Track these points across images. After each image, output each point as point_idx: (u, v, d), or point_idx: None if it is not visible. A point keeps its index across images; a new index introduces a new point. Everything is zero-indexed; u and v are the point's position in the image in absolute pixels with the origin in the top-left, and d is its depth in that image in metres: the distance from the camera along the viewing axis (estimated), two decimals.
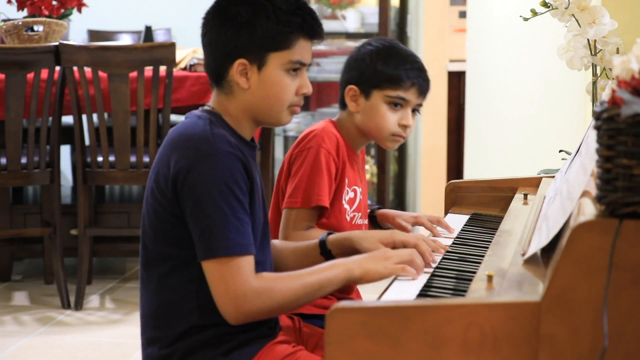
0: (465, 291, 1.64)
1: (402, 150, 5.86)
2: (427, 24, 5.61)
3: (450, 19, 5.70)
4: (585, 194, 1.58)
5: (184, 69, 4.47)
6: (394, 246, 1.95)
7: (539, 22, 2.64)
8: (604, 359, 1.38)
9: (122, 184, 4.10)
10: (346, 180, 2.24)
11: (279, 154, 5.57)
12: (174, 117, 5.36)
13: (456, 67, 5.60)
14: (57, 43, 3.94)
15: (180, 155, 1.76)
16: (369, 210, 2.40)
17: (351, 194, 2.27)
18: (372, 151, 5.77)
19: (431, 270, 1.84)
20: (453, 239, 2.12)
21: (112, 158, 4.02)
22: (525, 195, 2.36)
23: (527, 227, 1.98)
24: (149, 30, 5.41)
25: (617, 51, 2.40)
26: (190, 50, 4.64)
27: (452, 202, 2.52)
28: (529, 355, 1.41)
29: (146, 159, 4.03)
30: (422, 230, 2.25)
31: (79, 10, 4.40)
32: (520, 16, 2.48)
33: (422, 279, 1.78)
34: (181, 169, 1.74)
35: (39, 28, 4.22)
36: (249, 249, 1.73)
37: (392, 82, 2.23)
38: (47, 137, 4.00)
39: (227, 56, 1.82)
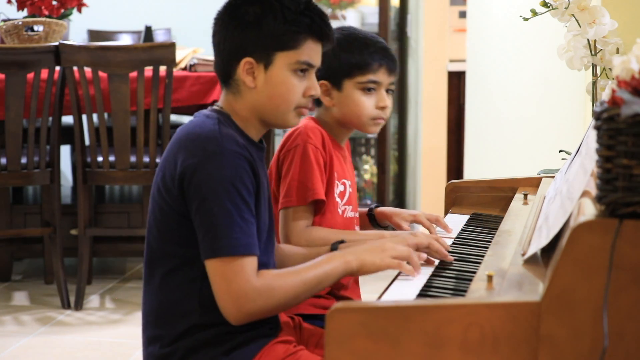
0: (465, 291, 1.64)
1: (402, 150, 5.86)
2: (427, 24, 5.61)
3: (450, 19, 5.70)
4: (585, 194, 1.58)
5: (184, 69, 4.47)
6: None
7: (539, 22, 2.64)
8: (604, 359, 1.38)
9: (122, 184, 4.10)
10: (335, 174, 2.24)
11: None
12: (174, 117, 5.37)
13: (456, 67, 5.60)
14: (57, 43, 3.94)
15: (187, 153, 1.76)
16: (367, 209, 2.40)
17: (341, 187, 2.27)
18: (372, 151, 5.77)
19: (431, 270, 1.85)
20: (453, 239, 2.12)
21: (112, 158, 4.02)
22: (525, 195, 2.36)
23: (527, 227, 1.98)
24: (149, 30, 5.42)
25: (617, 51, 2.40)
26: (190, 50, 4.64)
27: (452, 202, 2.52)
28: (529, 355, 1.41)
29: (146, 159, 4.03)
30: (420, 229, 2.25)
31: (79, 10, 4.40)
32: (520, 16, 2.49)
33: (422, 279, 1.78)
34: (188, 167, 1.75)
35: (39, 28, 4.22)
36: (253, 249, 1.74)
37: (360, 68, 2.23)
38: (47, 137, 4.00)
39: (234, 55, 1.83)
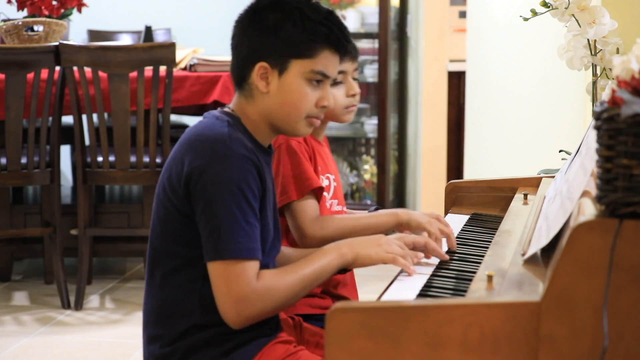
0: (465, 291, 1.64)
1: (402, 150, 5.86)
2: (427, 24, 5.61)
3: (450, 19, 5.70)
4: (585, 194, 1.58)
5: (184, 69, 4.47)
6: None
7: (539, 22, 2.64)
8: (604, 359, 1.39)
9: (122, 184, 4.10)
10: (319, 168, 2.24)
11: None
12: (174, 117, 5.37)
13: (456, 67, 5.60)
14: (57, 43, 3.94)
15: (195, 154, 1.76)
16: (368, 212, 2.40)
17: (326, 182, 2.28)
18: (372, 151, 5.78)
19: (431, 270, 1.85)
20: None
21: (112, 158, 4.02)
22: (525, 195, 2.36)
23: (527, 227, 1.98)
24: (149, 30, 5.41)
25: (617, 51, 2.40)
26: (190, 50, 4.65)
27: (452, 202, 2.52)
28: (529, 355, 1.42)
29: (146, 159, 4.03)
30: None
31: (79, 10, 4.40)
32: (520, 16, 2.49)
33: (422, 279, 1.78)
34: (195, 168, 1.75)
35: (39, 28, 4.22)
36: (256, 254, 1.74)
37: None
38: (47, 137, 4.00)
39: (249, 58, 1.82)
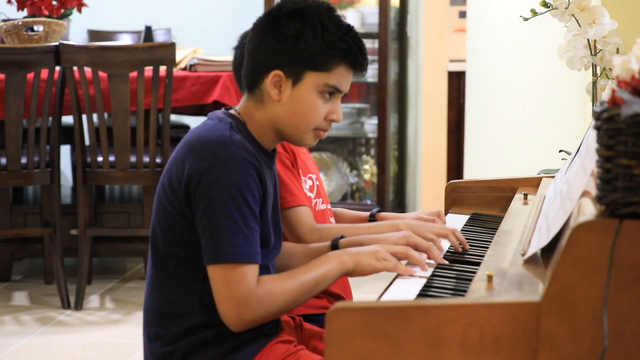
0: (465, 291, 1.64)
1: (402, 150, 5.86)
2: (427, 24, 5.61)
3: (450, 19, 5.70)
4: (585, 194, 1.58)
5: (184, 69, 4.47)
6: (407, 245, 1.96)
7: (539, 22, 2.64)
8: (604, 359, 1.39)
9: (122, 184, 4.11)
10: (301, 170, 2.24)
11: None
12: (174, 117, 5.37)
13: (456, 67, 5.60)
14: (57, 43, 3.94)
15: (196, 157, 1.76)
16: (367, 214, 2.40)
17: (309, 182, 2.28)
18: (372, 151, 5.77)
19: (431, 270, 1.85)
20: None
21: (112, 158, 4.02)
22: (525, 195, 2.36)
23: (527, 227, 1.98)
24: (149, 30, 5.42)
25: (617, 51, 2.40)
26: (190, 50, 4.65)
27: (452, 202, 2.52)
28: (529, 355, 1.42)
29: (146, 159, 4.03)
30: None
31: (79, 10, 4.40)
32: (520, 16, 2.49)
33: (422, 279, 1.78)
34: (196, 171, 1.75)
35: (39, 28, 4.22)
36: (256, 257, 1.74)
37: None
38: (47, 137, 4.00)
39: (264, 65, 1.82)
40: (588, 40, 2.41)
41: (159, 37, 5.92)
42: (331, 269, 1.81)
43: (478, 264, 1.84)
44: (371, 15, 5.52)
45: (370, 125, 5.55)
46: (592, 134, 1.57)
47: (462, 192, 2.52)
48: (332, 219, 2.34)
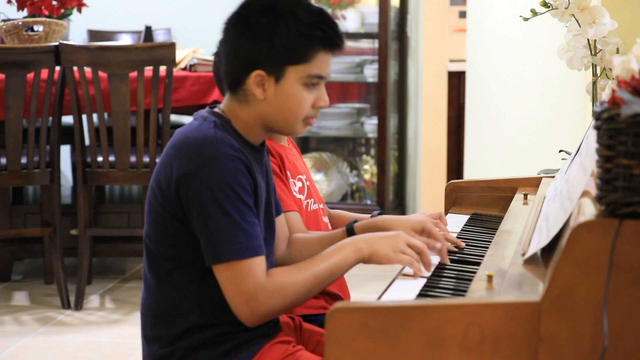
0: (465, 291, 1.64)
1: (402, 150, 5.86)
2: (427, 24, 5.61)
3: (450, 19, 5.70)
4: (585, 194, 1.58)
5: (184, 69, 4.47)
6: (422, 234, 1.96)
7: (539, 22, 2.64)
8: (604, 359, 1.39)
9: (122, 184, 4.10)
10: (289, 173, 2.23)
11: None
12: (174, 117, 5.37)
13: (456, 67, 5.60)
14: (57, 43, 3.94)
15: (183, 159, 1.75)
16: (370, 216, 2.39)
17: (299, 184, 2.27)
18: (372, 151, 5.78)
19: (431, 270, 1.85)
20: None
21: (112, 158, 4.02)
22: (525, 195, 2.36)
23: (527, 227, 1.98)
24: (149, 30, 5.41)
25: (617, 51, 2.40)
26: (190, 50, 4.64)
27: (452, 202, 2.52)
28: (529, 355, 1.42)
29: (146, 159, 4.03)
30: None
31: (79, 10, 4.40)
32: (520, 16, 2.49)
33: (422, 279, 1.78)
34: (184, 173, 1.74)
35: (39, 28, 4.22)
36: (259, 250, 1.73)
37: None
38: (47, 137, 4.00)
39: (244, 66, 1.80)
40: (588, 40, 2.41)
41: (159, 37, 5.92)
42: (346, 257, 1.80)
43: (478, 264, 1.84)
44: (371, 15, 5.52)
45: (370, 125, 5.55)
46: (592, 134, 1.57)
47: (462, 192, 2.52)
48: (325, 219, 2.34)
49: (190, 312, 1.80)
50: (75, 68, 3.89)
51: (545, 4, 2.42)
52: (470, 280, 1.70)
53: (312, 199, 2.30)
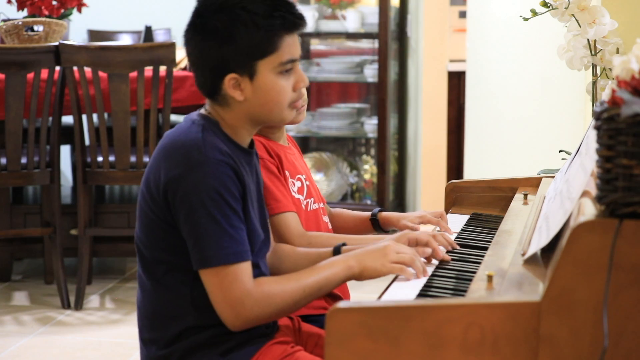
0: (465, 291, 1.64)
1: (402, 150, 5.86)
2: (427, 24, 5.61)
3: (450, 19, 5.70)
4: (585, 194, 1.58)
5: (184, 69, 4.47)
6: (408, 244, 1.94)
7: (539, 22, 2.64)
8: (604, 359, 1.38)
9: (122, 184, 4.11)
10: (287, 173, 2.23)
11: None
12: (174, 117, 5.36)
13: (456, 67, 5.60)
14: (57, 43, 3.94)
15: (171, 163, 1.74)
16: (369, 214, 2.39)
17: (298, 184, 2.26)
18: (372, 151, 5.78)
19: (431, 270, 1.84)
20: (453, 239, 2.11)
21: (112, 158, 4.02)
22: (525, 195, 2.36)
23: (527, 227, 1.98)
24: (149, 30, 5.41)
25: (617, 51, 2.40)
26: None
27: (452, 202, 2.52)
28: (529, 355, 1.42)
29: (146, 159, 4.03)
30: (429, 227, 2.25)
31: (79, 10, 4.40)
32: (520, 16, 2.49)
33: (422, 279, 1.78)
34: (173, 177, 1.73)
35: (39, 28, 4.22)
36: (245, 255, 1.73)
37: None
38: (47, 137, 4.00)
39: (215, 73, 1.78)
40: (588, 40, 2.41)
41: (159, 37, 5.92)
42: (336, 274, 1.79)
43: (478, 264, 1.84)
44: (371, 15, 5.52)
45: (370, 125, 5.55)
46: (592, 134, 1.57)
47: (462, 192, 2.52)
48: (325, 218, 2.33)
49: (186, 314, 1.80)
50: (75, 68, 3.89)
51: (545, 4, 2.42)
52: (470, 280, 1.70)
53: (312, 199, 2.30)
